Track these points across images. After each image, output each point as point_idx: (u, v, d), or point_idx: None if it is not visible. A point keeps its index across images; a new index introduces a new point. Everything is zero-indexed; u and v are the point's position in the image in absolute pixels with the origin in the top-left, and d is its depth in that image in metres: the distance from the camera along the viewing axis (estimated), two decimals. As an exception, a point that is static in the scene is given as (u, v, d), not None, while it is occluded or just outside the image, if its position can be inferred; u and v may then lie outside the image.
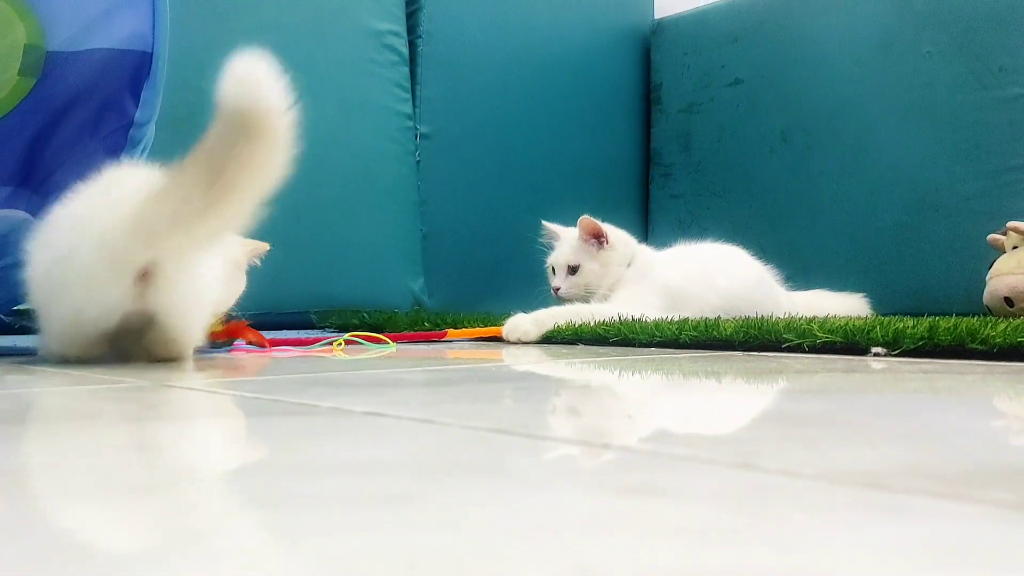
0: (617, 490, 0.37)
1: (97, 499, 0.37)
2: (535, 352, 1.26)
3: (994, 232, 1.69)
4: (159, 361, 1.05)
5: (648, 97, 2.83)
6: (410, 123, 2.28)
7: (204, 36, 1.89)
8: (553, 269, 1.68)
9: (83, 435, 0.55)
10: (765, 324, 1.21)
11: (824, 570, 0.26)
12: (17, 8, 1.25)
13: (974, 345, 1.00)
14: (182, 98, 1.47)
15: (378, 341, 1.43)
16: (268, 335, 1.41)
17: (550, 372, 1.02)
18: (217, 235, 1.03)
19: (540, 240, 1.74)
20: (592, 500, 0.35)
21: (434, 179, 2.33)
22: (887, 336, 1.06)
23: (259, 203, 0.99)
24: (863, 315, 1.67)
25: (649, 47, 2.83)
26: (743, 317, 1.40)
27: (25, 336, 1.33)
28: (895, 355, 1.03)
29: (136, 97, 1.30)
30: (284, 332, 1.75)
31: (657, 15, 2.85)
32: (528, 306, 1.49)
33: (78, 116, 1.28)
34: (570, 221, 1.66)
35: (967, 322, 1.08)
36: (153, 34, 1.29)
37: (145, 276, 0.97)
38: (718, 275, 1.65)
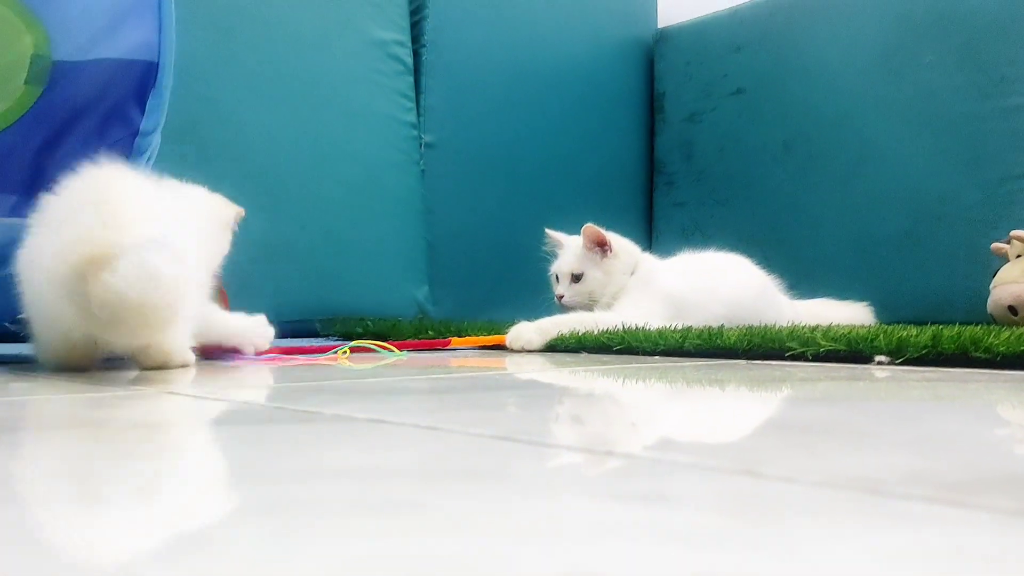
0: (620, 497, 0.37)
1: (100, 505, 0.37)
2: (539, 360, 1.26)
3: (997, 241, 1.69)
4: (156, 367, 1.06)
5: (651, 106, 2.84)
6: (414, 132, 2.29)
7: (209, 46, 1.90)
8: (557, 277, 1.68)
9: (87, 441, 0.55)
10: (769, 332, 1.21)
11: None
12: (25, 18, 1.26)
13: (978, 354, 1.00)
14: (187, 107, 1.48)
15: (387, 349, 1.43)
16: (275, 343, 1.42)
17: (554, 380, 1.02)
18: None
19: (544, 248, 1.75)
20: (596, 506, 0.36)
21: (438, 188, 2.34)
22: (891, 344, 1.06)
23: None
24: (867, 324, 1.67)
25: (652, 56, 2.84)
26: (747, 325, 1.40)
27: (30, 344, 1.33)
28: (898, 364, 1.03)
29: (142, 106, 1.31)
30: (289, 341, 1.76)
31: (660, 24, 2.86)
32: (532, 314, 1.49)
33: (84, 125, 1.29)
34: (574, 229, 1.67)
35: (970, 331, 1.08)
36: (159, 44, 1.30)
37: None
38: (722, 284, 1.65)
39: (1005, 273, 1.60)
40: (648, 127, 2.84)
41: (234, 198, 1.35)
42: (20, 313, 1.07)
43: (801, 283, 1.89)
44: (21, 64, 1.26)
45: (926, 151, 2.18)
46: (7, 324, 1.36)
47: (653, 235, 2.78)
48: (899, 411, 0.68)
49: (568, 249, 1.68)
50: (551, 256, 1.73)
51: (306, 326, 2.02)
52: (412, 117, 2.28)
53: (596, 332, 1.38)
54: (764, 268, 1.76)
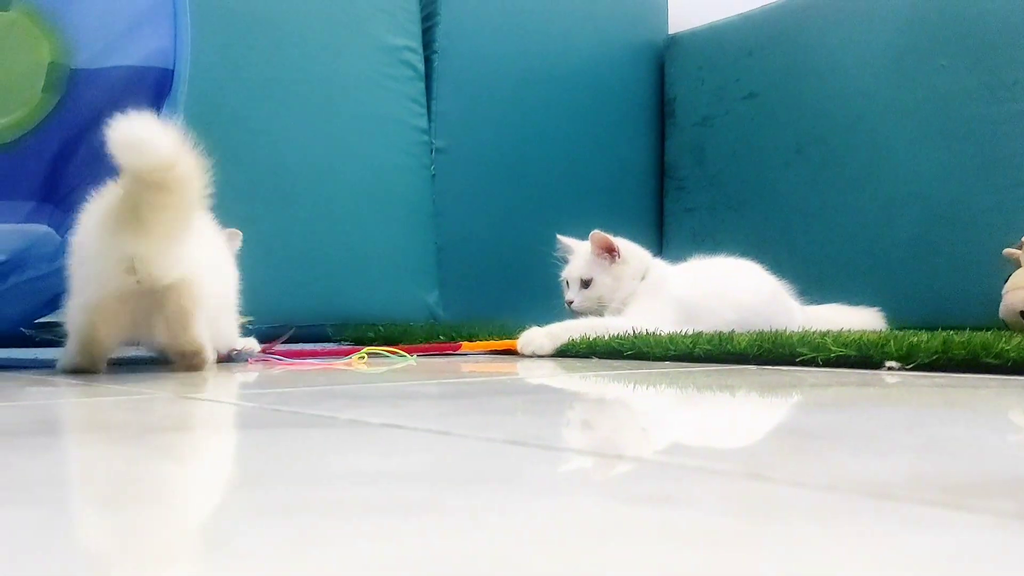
0: (630, 499, 0.38)
1: (120, 507, 0.38)
2: (550, 365, 1.27)
3: (1009, 246, 1.68)
4: (182, 364, 1.09)
5: (662, 111, 2.84)
6: (426, 137, 2.30)
7: (222, 51, 1.92)
8: (567, 283, 1.68)
9: (106, 445, 0.56)
10: (779, 338, 1.21)
11: (831, 577, 0.27)
12: (42, 27, 1.27)
13: (988, 359, 0.99)
14: (199, 112, 1.49)
15: (396, 354, 1.44)
16: (283, 347, 1.43)
17: (564, 385, 1.03)
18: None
19: (555, 253, 1.75)
20: (605, 509, 0.36)
21: (449, 193, 2.35)
22: (901, 350, 1.06)
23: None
24: (878, 329, 1.67)
25: (663, 61, 2.84)
26: (757, 331, 1.40)
27: (47, 349, 1.35)
28: (909, 369, 1.04)
29: (157, 113, 1.32)
30: (301, 345, 1.77)
31: (672, 30, 2.86)
32: (543, 319, 1.50)
33: (100, 132, 1.31)
34: (585, 234, 1.67)
35: (981, 336, 1.08)
36: (175, 51, 1.31)
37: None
38: (732, 289, 1.66)
39: (1017, 278, 1.60)
40: (659, 132, 2.84)
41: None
42: (39, 317, 1.09)
43: (812, 288, 1.89)
44: (38, 72, 1.27)
45: (939, 155, 2.18)
46: (24, 329, 1.37)
47: (663, 240, 2.78)
48: (908, 416, 0.68)
49: (578, 255, 1.68)
50: (562, 261, 1.73)
51: (318, 331, 2.03)
52: (423, 122, 2.29)
53: (607, 337, 1.39)
54: (775, 273, 1.75)
